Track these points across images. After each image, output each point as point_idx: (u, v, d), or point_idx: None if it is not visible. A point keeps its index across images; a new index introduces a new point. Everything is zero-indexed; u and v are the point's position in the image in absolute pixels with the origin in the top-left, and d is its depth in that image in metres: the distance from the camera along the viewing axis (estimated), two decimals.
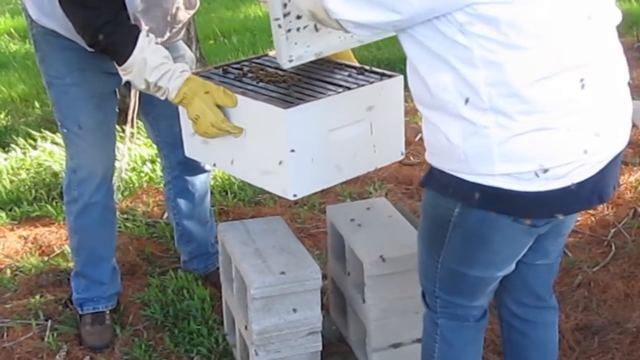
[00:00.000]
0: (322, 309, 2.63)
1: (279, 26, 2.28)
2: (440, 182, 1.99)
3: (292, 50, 2.35)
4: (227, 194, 4.09)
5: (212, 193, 3.61)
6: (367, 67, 2.57)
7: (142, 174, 4.31)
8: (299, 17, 2.31)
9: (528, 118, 1.83)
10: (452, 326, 2.22)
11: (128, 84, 2.68)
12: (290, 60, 2.37)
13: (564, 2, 1.81)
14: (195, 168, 3.13)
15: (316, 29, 2.37)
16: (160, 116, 2.99)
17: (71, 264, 3.33)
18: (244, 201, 4.03)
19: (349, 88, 2.43)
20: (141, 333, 3.07)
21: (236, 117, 2.42)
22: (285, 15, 2.28)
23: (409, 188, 4.10)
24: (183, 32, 2.96)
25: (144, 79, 2.45)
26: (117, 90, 2.93)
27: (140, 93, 2.90)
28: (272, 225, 2.86)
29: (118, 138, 3.10)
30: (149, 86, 2.47)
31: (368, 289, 2.65)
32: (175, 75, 2.45)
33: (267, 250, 2.68)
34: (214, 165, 2.70)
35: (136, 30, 2.46)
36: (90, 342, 3.01)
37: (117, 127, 3.03)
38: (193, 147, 2.63)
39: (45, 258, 3.59)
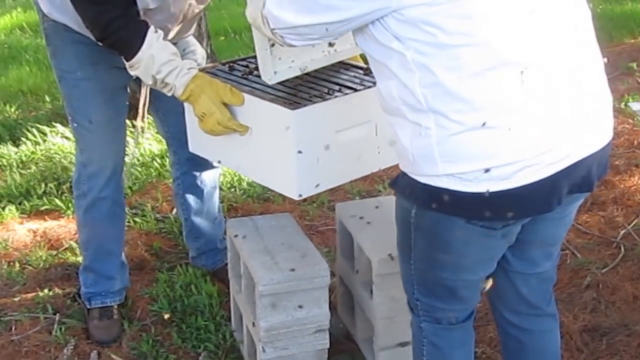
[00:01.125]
0: (329, 306, 2.63)
1: (263, 40, 2.25)
2: (401, 183, 2.00)
3: (276, 66, 2.33)
4: (236, 190, 4.10)
5: (220, 189, 3.61)
6: None
7: (152, 169, 4.32)
8: None
9: (464, 117, 1.79)
10: (436, 329, 2.20)
11: (139, 79, 2.68)
12: (275, 75, 2.34)
13: None
14: (204, 164, 3.13)
15: None
16: (170, 112, 2.99)
17: (80, 258, 3.34)
18: (252, 197, 4.03)
19: (355, 90, 2.42)
20: (149, 328, 3.08)
21: (243, 115, 2.42)
22: None
23: None
24: (194, 27, 2.96)
25: (151, 75, 2.45)
26: (127, 85, 2.93)
27: (151, 88, 2.90)
28: (281, 222, 2.86)
29: (128, 133, 3.10)
30: (156, 82, 2.47)
31: (376, 287, 2.65)
32: (182, 72, 2.44)
33: (275, 247, 2.68)
34: (219, 162, 2.69)
35: (145, 26, 2.46)
36: (97, 337, 3.02)
37: (127, 121, 3.03)
38: (198, 143, 2.63)
39: (54, 252, 3.60)
